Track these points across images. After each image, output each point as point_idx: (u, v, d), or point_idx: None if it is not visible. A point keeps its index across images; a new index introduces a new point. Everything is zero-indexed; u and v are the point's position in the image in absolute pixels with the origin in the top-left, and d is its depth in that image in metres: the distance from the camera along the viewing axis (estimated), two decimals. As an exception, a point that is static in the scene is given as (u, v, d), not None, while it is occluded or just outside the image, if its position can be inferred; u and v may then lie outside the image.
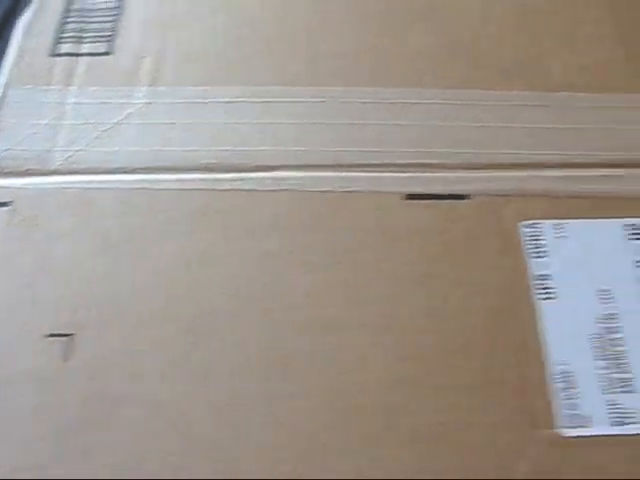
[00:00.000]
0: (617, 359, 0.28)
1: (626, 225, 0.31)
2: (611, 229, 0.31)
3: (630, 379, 0.28)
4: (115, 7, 0.38)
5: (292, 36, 0.36)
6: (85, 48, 0.36)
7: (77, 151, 0.33)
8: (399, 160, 0.32)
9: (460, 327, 0.29)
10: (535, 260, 0.30)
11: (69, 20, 0.37)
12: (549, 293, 0.30)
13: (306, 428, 0.26)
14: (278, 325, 0.28)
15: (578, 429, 0.27)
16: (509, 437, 0.27)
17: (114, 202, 0.31)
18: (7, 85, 0.35)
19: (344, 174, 0.32)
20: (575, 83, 0.35)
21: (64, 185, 0.32)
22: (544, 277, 0.30)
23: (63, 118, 0.34)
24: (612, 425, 0.27)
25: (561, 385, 0.28)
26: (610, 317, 0.29)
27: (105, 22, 0.37)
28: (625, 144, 0.33)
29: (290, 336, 0.28)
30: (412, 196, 0.31)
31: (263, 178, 0.32)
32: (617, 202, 0.32)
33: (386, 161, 0.32)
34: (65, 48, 0.36)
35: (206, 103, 0.34)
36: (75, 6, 0.38)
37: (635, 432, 0.27)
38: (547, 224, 0.31)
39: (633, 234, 0.31)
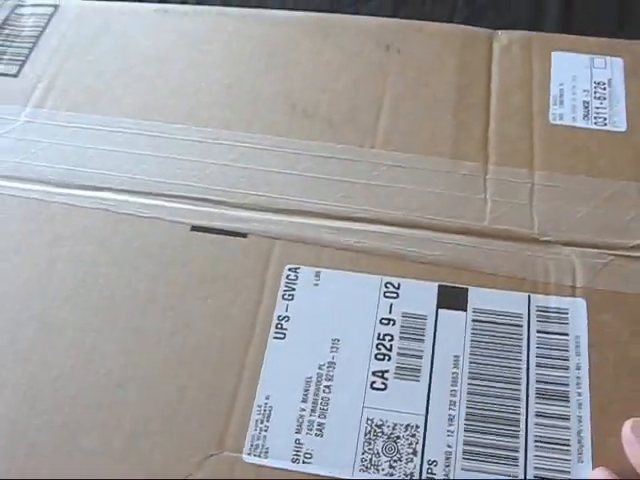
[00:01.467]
0: (319, 404, 0.30)
1: (387, 282, 0.33)
2: (369, 283, 0.33)
3: (323, 424, 0.30)
4: (36, 35, 0.44)
5: (165, 76, 0.41)
6: (0, 69, 0.43)
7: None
8: (195, 194, 0.36)
9: (191, 352, 0.32)
10: (283, 301, 0.33)
11: (-4, 43, 0.44)
12: (281, 333, 0.32)
13: None
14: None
15: (257, 458, 0.30)
16: (191, 453, 0.30)
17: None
18: None
19: (149, 201, 0.36)
20: (395, 142, 0.37)
21: None
22: (283, 318, 0.32)
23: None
24: (291, 462, 0.29)
25: (258, 417, 0.30)
26: (330, 365, 0.31)
27: (24, 47, 0.44)
28: (408, 204, 0.35)
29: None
30: (197, 228, 0.35)
31: (88, 197, 0.37)
32: (383, 259, 0.34)
33: (184, 194, 0.36)
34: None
35: (69, 127, 0.40)
36: (6, 31, 0.45)
37: (309, 471, 0.29)
38: (307, 270, 0.34)
39: (389, 292, 0.33)
